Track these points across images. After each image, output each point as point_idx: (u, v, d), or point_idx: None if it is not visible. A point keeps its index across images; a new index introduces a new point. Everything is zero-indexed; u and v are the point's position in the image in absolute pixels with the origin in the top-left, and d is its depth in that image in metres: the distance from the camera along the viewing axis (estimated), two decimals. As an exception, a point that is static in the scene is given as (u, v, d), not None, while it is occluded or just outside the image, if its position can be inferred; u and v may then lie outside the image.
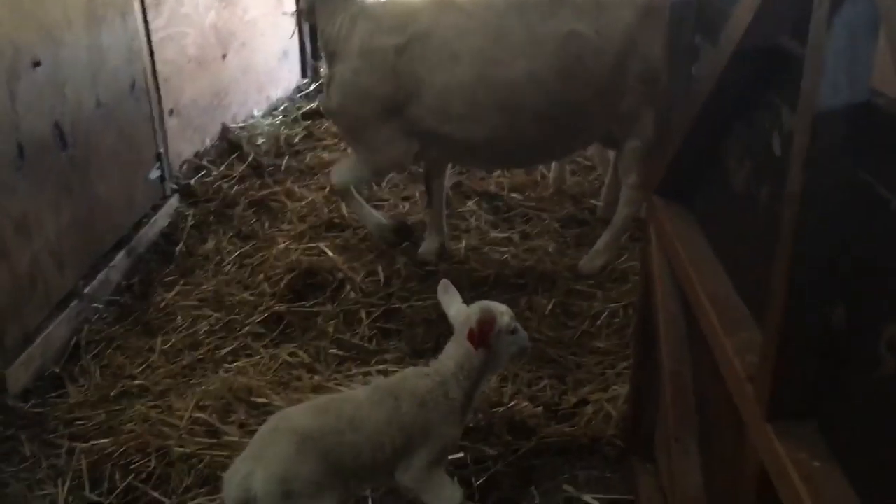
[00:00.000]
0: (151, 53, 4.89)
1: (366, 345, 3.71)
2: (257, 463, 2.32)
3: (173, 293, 4.19)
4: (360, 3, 4.10)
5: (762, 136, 1.78)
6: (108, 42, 4.27)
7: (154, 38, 4.93)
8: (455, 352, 2.55)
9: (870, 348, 1.24)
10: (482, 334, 2.48)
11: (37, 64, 3.59)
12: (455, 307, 2.65)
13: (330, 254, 4.35)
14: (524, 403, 3.21)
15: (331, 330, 3.79)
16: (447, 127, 3.95)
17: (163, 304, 4.10)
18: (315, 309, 3.95)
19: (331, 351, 3.66)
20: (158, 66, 5.00)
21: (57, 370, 3.57)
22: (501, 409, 3.17)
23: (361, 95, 4.01)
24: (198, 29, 5.72)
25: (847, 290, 1.33)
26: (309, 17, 4.38)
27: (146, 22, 4.80)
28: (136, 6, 4.65)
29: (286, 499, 2.27)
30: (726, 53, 1.80)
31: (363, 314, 3.88)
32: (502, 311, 2.56)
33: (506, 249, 4.46)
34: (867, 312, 1.27)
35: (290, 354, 3.61)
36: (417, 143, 4.09)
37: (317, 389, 3.34)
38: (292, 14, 5.24)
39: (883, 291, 1.23)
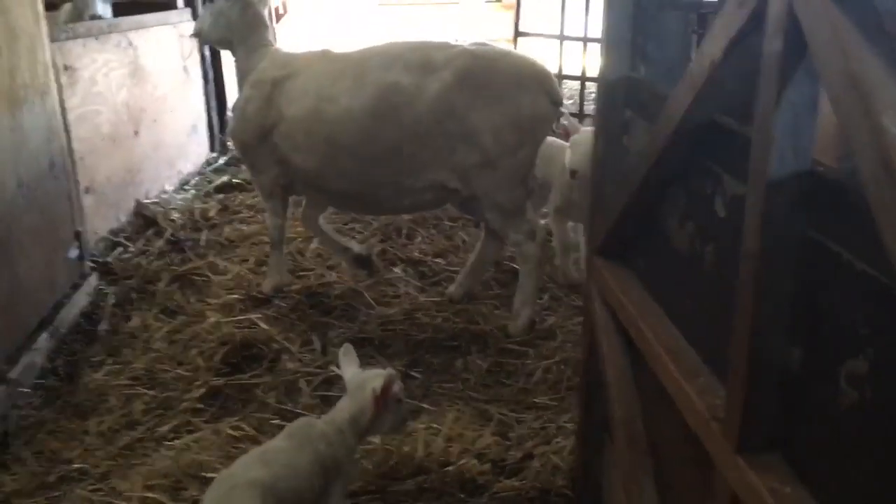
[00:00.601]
0: (67, 132, 4.86)
1: (308, 413, 3.72)
2: None
3: (102, 373, 4.09)
4: (272, 47, 4.79)
5: (704, 200, 2.00)
6: (28, 123, 4.23)
7: (69, 116, 4.92)
8: (349, 407, 2.88)
9: (830, 384, 1.43)
10: (383, 397, 2.84)
11: (-39, 147, 3.55)
12: (351, 371, 3.02)
13: (263, 325, 4.36)
14: (472, 461, 3.30)
15: (272, 401, 3.79)
16: (294, 156, 4.47)
17: (92, 385, 3.99)
18: (253, 381, 3.94)
19: (274, 421, 3.65)
20: (74, 145, 4.98)
21: (-13, 460, 3.43)
22: (451, 468, 3.26)
23: (246, 121, 4.58)
24: (110, 106, 5.73)
25: (805, 334, 1.52)
26: (218, 44, 5.17)
27: (61, 101, 4.79)
28: (53, 86, 4.64)
29: None
30: (667, 129, 2.02)
31: (303, 383, 3.91)
32: (397, 380, 2.96)
33: (437, 314, 4.58)
34: (826, 352, 1.46)
35: (233, 428, 3.57)
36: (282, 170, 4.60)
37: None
38: (192, 37, 5.43)
39: (838, 332, 1.43)
